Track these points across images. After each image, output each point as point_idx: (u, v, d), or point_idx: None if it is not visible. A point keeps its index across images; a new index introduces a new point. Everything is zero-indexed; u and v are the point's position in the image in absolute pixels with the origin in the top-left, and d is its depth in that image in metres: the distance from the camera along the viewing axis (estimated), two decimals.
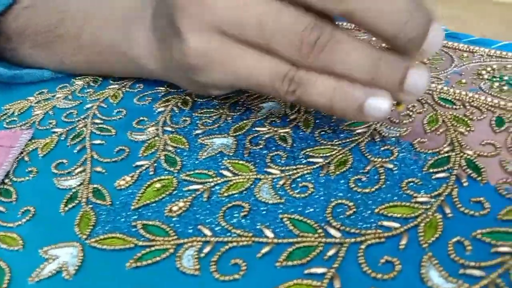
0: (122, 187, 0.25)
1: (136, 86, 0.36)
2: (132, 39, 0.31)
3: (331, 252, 0.20)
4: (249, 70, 0.23)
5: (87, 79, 0.37)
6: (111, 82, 0.37)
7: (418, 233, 0.21)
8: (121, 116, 0.32)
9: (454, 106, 0.29)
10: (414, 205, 0.22)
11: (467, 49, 0.35)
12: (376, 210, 0.22)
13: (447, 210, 0.21)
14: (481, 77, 0.32)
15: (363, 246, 0.20)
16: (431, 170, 0.24)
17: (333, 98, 0.23)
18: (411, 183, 0.23)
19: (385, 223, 0.21)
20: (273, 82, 0.23)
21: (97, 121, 0.32)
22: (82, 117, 0.32)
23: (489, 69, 0.32)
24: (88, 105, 0.34)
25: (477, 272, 0.19)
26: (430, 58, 0.34)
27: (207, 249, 0.21)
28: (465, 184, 0.23)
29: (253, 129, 0.29)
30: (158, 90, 0.34)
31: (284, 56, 0.22)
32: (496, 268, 0.19)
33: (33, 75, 0.38)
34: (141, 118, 0.31)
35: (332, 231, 0.21)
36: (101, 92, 0.35)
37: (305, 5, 0.22)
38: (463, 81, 0.31)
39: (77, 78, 0.38)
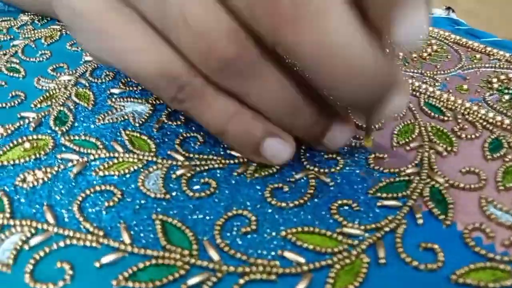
0: None
1: None
2: None
3: (193, 281, 0.14)
4: (131, 52, 0.16)
5: (33, 16, 0.32)
6: (57, 22, 0.32)
7: (327, 278, 0.14)
8: (42, 59, 0.26)
9: (442, 117, 0.22)
10: (337, 237, 0.16)
11: (483, 50, 0.28)
12: (283, 234, 0.16)
13: (381, 253, 0.15)
14: (489, 85, 0.24)
15: (241, 281, 0.14)
16: (378, 195, 0.17)
17: (227, 125, 0.17)
18: (345, 207, 0.17)
19: (288, 255, 0.15)
20: (158, 80, 0.16)
21: (14, 59, 0.27)
22: (1, 53, 0.27)
23: (503, 77, 0.25)
24: (16, 42, 0.29)
25: None
26: (432, 53, 0.27)
27: (35, 240, 0.15)
28: (420, 221, 0.16)
29: None
30: None
31: (184, 56, 0.16)
32: None
33: None
34: (61, 64, 0.26)
35: (211, 252, 0.15)
36: (39, 30, 0.30)
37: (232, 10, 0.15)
38: (465, 87, 0.24)
39: (25, 13, 0.33)
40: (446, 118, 0.22)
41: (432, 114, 0.22)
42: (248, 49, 0.15)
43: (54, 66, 0.25)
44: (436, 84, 0.25)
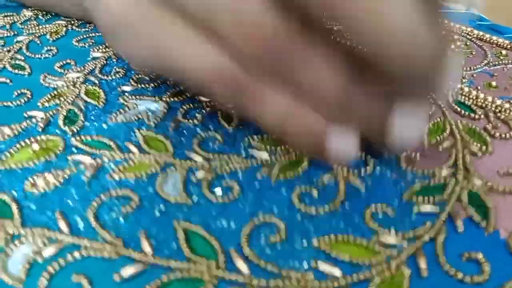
0: None
1: (85, 25, 0.29)
2: None
3: None
4: (181, 58, 0.16)
5: (36, 11, 0.31)
6: (62, 18, 0.30)
7: None
8: (48, 55, 0.25)
9: (473, 115, 0.21)
10: (374, 247, 0.14)
11: (508, 46, 0.26)
12: (316, 244, 0.15)
13: (422, 265, 0.14)
14: None
15: None
16: (414, 199, 0.16)
17: (286, 124, 0.16)
18: (379, 213, 0.16)
19: (323, 267, 0.14)
20: (211, 84, 0.16)
21: (19, 56, 0.25)
22: (5, 49, 0.26)
23: None
24: (21, 38, 0.27)
25: None
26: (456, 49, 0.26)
27: (47, 252, 0.14)
28: (460, 229, 0.15)
29: (197, 97, 0.22)
30: None
31: (229, 47, 0.15)
32: None
33: None
34: (68, 61, 0.25)
35: (239, 263, 0.14)
36: (43, 26, 0.29)
37: None
38: (494, 84, 0.23)
39: (28, 9, 0.32)
40: (477, 116, 0.21)
41: (462, 112, 0.21)
42: (285, 25, 0.14)
43: (61, 63, 0.24)
44: (463, 80, 0.24)
